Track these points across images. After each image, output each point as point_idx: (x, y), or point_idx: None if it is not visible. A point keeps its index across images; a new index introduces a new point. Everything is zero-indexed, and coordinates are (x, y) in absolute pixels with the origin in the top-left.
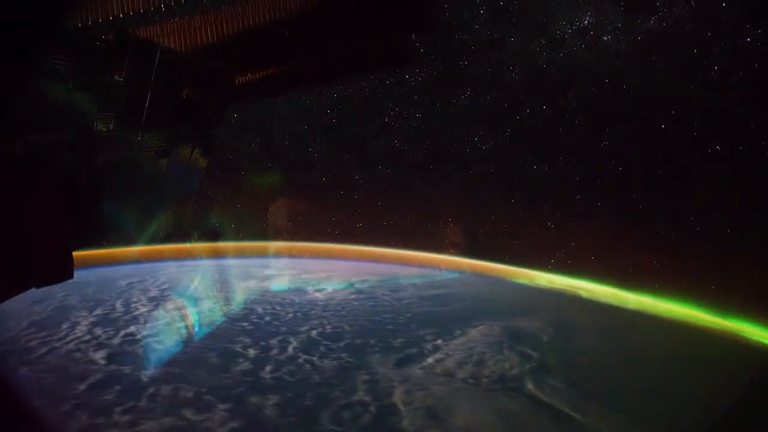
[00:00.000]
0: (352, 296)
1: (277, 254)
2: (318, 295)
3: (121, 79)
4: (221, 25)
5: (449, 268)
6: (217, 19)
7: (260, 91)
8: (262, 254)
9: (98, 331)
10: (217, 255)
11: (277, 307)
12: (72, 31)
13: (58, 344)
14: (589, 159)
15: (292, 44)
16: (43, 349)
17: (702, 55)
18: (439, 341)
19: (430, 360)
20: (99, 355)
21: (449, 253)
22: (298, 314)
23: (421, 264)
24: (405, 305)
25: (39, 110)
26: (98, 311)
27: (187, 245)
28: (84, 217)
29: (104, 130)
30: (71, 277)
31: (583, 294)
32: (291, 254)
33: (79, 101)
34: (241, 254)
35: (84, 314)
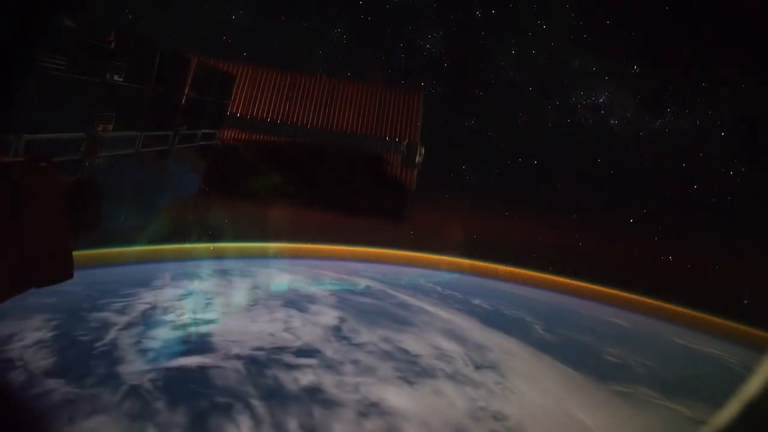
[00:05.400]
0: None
1: (278, 255)
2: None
3: (121, 79)
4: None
5: (449, 269)
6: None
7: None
8: (263, 255)
9: None
10: (217, 255)
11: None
12: (72, 31)
13: None
14: (554, 225)
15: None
16: None
17: (688, 170)
18: None
19: None
20: None
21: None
22: None
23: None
24: None
25: (39, 110)
26: None
27: (188, 245)
28: (84, 217)
29: (104, 130)
30: (71, 276)
31: None
32: (291, 255)
33: (79, 101)
34: (241, 254)
35: None
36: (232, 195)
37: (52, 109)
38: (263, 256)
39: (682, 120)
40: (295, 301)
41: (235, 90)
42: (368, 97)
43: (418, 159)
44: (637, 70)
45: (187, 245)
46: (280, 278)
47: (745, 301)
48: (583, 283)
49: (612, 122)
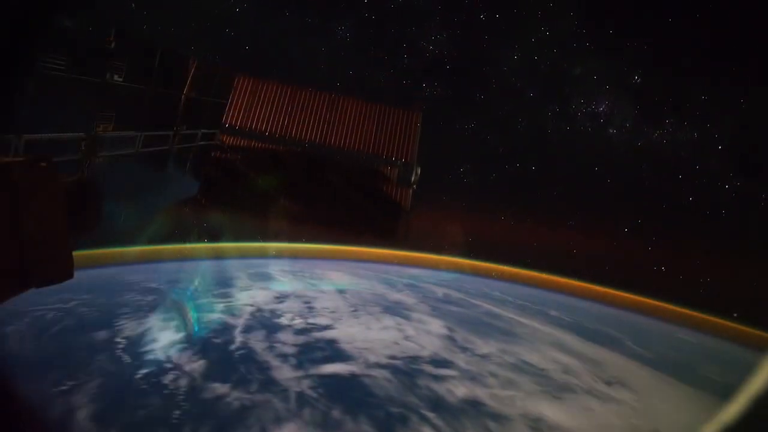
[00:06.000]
0: None
1: (278, 255)
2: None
3: (121, 79)
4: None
5: (449, 268)
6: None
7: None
8: (263, 255)
9: None
10: (217, 255)
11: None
12: (72, 31)
13: None
14: (550, 231)
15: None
16: None
17: (683, 182)
18: None
19: None
20: None
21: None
22: None
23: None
24: None
25: (39, 110)
26: None
27: (187, 245)
28: (84, 217)
29: (104, 130)
30: (71, 277)
31: None
32: (291, 255)
33: (79, 101)
34: (241, 255)
35: None
36: (231, 197)
37: (52, 109)
38: (282, 257)
39: (680, 132)
40: (392, 308)
41: (234, 101)
42: (367, 115)
43: (414, 178)
44: (638, 80)
45: (203, 246)
46: (354, 281)
47: (735, 315)
48: (580, 283)
49: (611, 131)
